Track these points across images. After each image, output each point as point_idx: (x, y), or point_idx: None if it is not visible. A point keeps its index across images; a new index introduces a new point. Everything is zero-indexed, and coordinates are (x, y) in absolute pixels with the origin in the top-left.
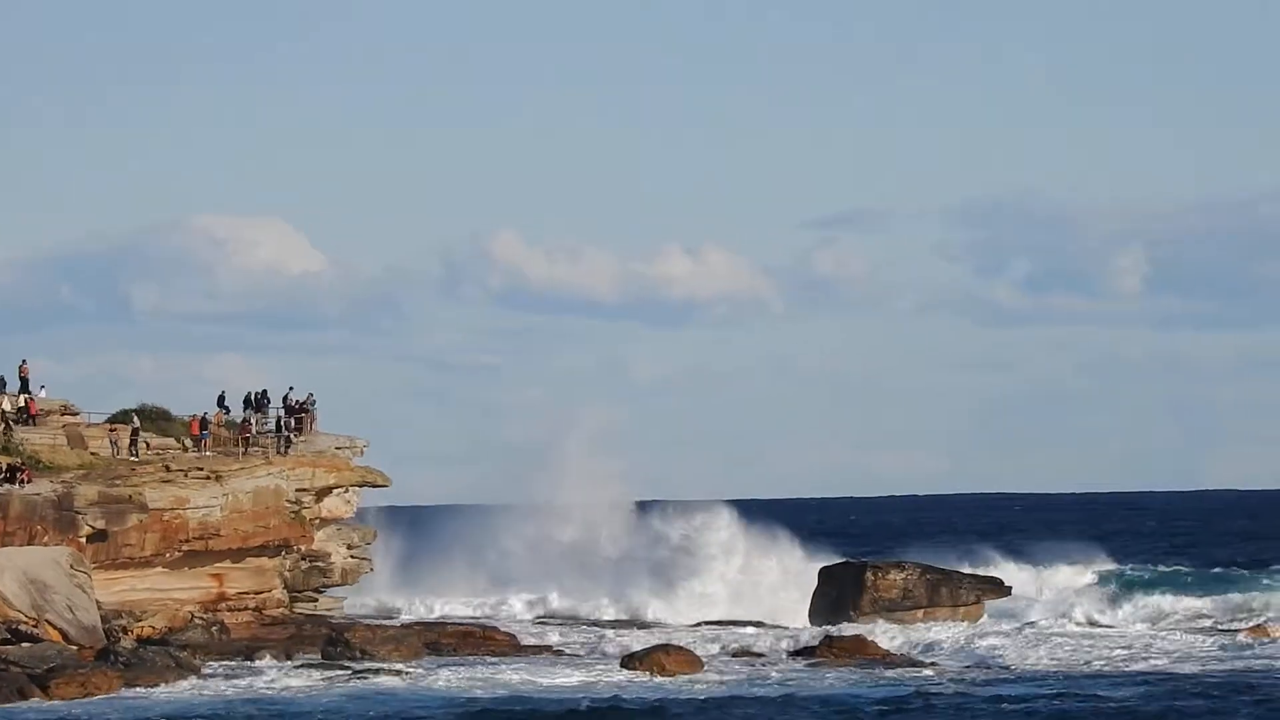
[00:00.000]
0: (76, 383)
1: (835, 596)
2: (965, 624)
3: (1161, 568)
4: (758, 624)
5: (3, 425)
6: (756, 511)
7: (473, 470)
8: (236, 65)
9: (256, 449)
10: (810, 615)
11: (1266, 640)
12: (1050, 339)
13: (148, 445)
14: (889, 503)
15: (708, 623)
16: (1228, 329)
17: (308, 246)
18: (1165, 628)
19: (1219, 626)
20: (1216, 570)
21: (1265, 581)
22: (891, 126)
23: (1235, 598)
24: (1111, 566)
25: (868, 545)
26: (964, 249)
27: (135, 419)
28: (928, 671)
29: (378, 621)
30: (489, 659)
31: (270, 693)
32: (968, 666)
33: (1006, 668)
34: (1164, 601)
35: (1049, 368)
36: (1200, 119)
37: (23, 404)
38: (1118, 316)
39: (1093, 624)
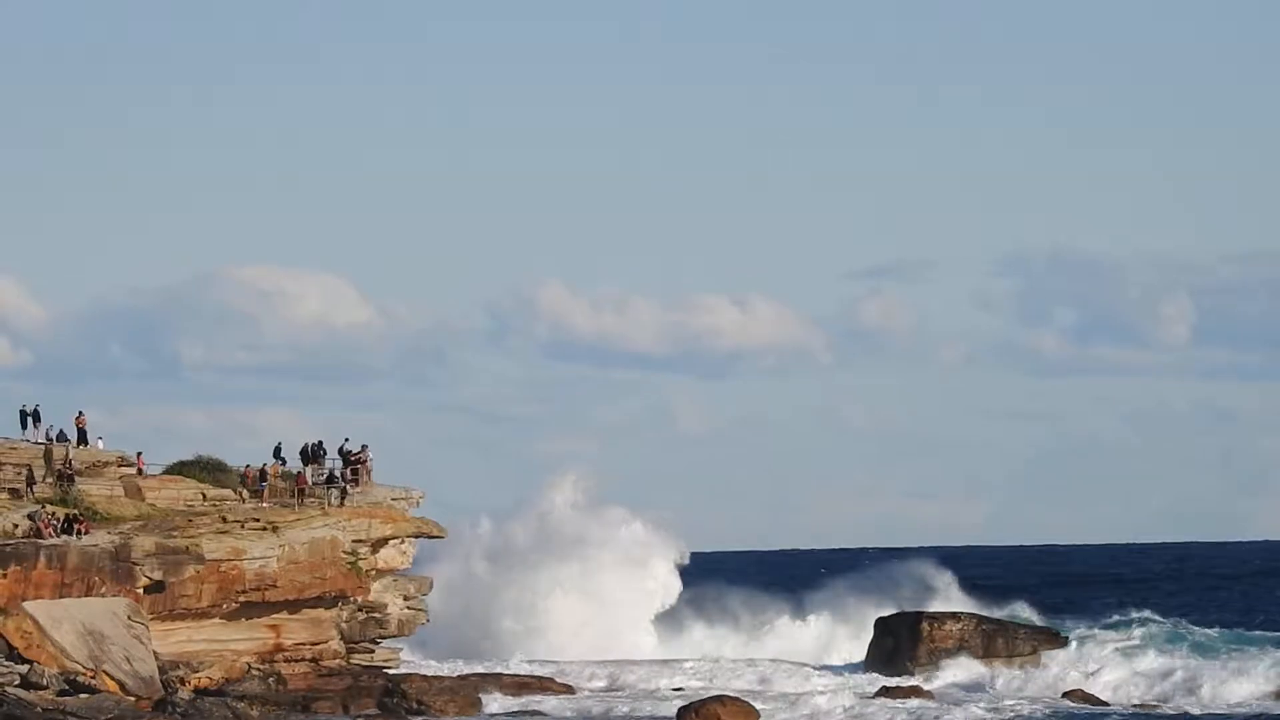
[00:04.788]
0: (128, 435)
1: (892, 647)
2: None
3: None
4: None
5: (54, 477)
6: (801, 562)
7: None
8: (281, 117)
9: (313, 500)
10: (866, 665)
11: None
12: (1096, 390)
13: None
14: (935, 553)
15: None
16: (1275, 379)
17: (355, 298)
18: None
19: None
20: None
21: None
22: (935, 176)
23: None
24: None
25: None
26: (1008, 299)
27: None
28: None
29: (434, 672)
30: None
31: None
32: None
33: None
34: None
35: (1095, 419)
36: (1246, 167)
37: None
38: (1164, 367)
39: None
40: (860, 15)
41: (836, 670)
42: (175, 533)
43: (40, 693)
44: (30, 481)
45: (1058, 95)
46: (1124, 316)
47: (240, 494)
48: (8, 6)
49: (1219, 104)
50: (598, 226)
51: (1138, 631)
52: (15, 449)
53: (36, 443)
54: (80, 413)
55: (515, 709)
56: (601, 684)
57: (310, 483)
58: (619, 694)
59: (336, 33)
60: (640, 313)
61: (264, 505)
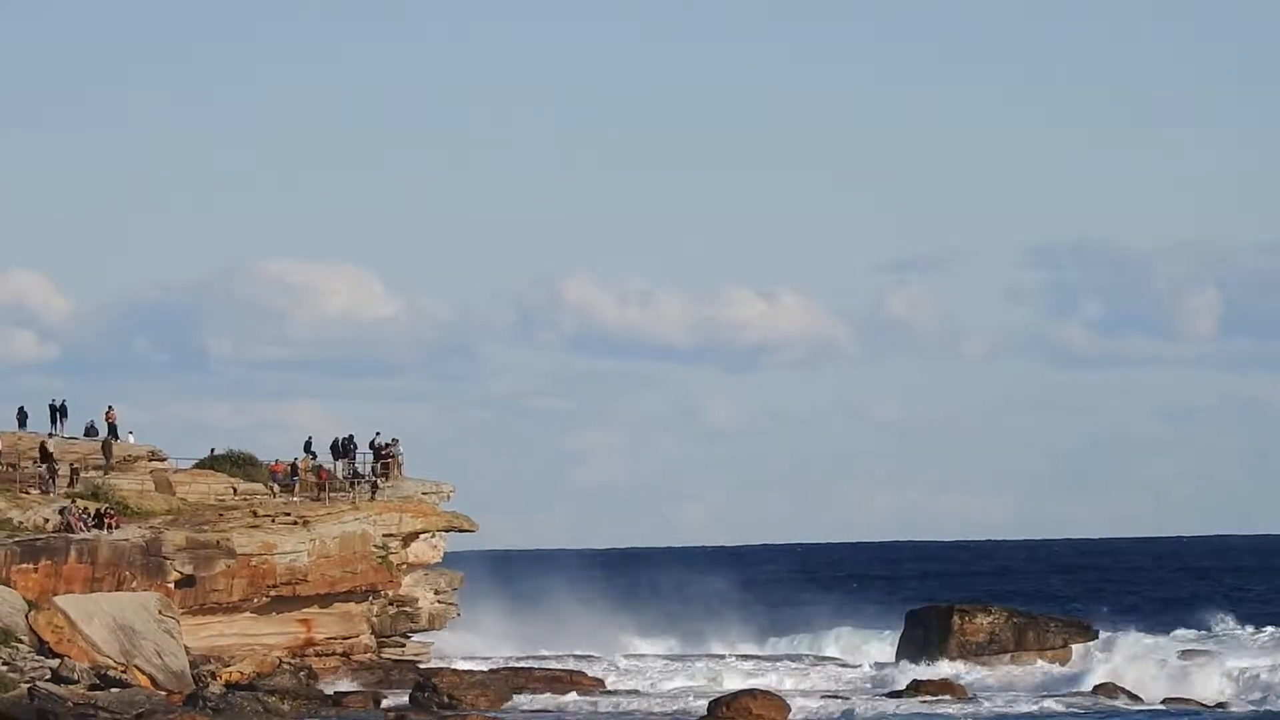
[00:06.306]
0: (156, 430)
1: (922, 640)
2: None
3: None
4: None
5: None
6: (829, 554)
7: (548, 515)
8: (307, 112)
9: (343, 494)
10: (897, 658)
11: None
12: (1123, 381)
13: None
14: (962, 547)
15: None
16: None
17: (382, 292)
18: None
19: None
20: None
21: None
22: (962, 168)
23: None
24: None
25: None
26: (1035, 291)
27: None
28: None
29: (465, 666)
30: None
31: None
32: None
33: None
34: None
35: (1123, 411)
36: (1273, 157)
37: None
38: (1192, 358)
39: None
40: (888, 10)
41: (867, 665)
42: (206, 527)
43: (71, 687)
44: (53, 474)
45: (1084, 87)
46: (1151, 308)
47: (271, 488)
48: (35, 9)
49: (1244, 94)
50: (624, 220)
51: (1173, 626)
52: (42, 442)
53: (69, 438)
54: (110, 407)
55: (547, 705)
56: (632, 679)
57: (342, 477)
58: (649, 689)
59: (363, 30)
60: (666, 306)
61: (294, 500)
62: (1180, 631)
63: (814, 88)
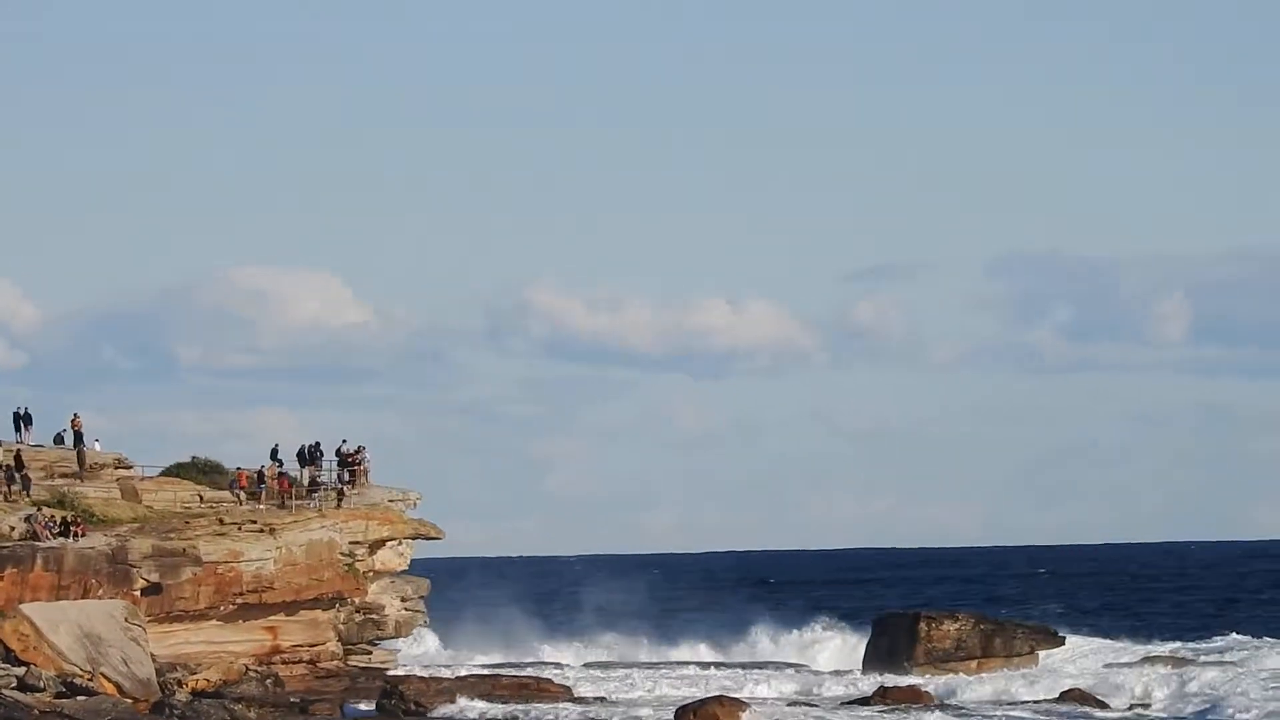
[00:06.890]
0: (123, 438)
1: (888, 647)
2: None
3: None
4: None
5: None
6: (797, 561)
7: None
8: (275, 119)
9: (311, 501)
10: (864, 665)
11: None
12: (1091, 388)
13: None
14: (931, 554)
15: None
16: (1271, 377)
17: (351, 299)
18: None
19: None
20: None
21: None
22: (930, 177)
23: None
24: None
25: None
26: (1003, 299)
27: None
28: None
29: (432, 673)
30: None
31: None
32: None
33: None
34: None
35: (1091, 417)
36: (1243, 166)
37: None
38: (1160, 365)
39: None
40: (856, 16)
41: (834, 673)
42: (172, 535)
43: (37, 695)
44: (10, 482)
45: (1051, 96)
46: (1120, 315)
47: (238, 496)
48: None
49: (1212, 103)
50: (593, 227)
51: (1140, 634)
52: (10, 450)
53: (34, 445)
54: (75, 415)
55: (512, 712)
56: (598, 686)
57: (306, 485)
58: (616, 696)
59: (332, 34)
60: (636, 313)
61: (261, 507)
62: (1147, 639)
63: (783, 97)
